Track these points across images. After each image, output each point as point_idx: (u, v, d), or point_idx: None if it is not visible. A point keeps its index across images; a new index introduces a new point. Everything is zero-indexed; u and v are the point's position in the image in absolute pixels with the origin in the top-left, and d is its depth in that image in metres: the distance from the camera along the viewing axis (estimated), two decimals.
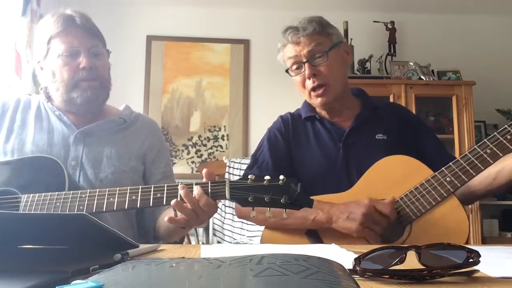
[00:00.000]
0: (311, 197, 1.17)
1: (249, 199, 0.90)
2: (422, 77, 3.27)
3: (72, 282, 0.39)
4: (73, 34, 1.21)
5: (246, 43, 3.57)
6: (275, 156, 1.31)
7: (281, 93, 3.48)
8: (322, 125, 1.34)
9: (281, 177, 0.90)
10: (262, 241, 1.22)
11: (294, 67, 1.31)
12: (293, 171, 1.30)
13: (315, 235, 1.17)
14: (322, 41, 1.28)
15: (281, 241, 1.18)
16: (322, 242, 1.15)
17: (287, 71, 1.34)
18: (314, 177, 1.27)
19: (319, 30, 1.29)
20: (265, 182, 0.90)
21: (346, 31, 3.30)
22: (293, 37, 1.28)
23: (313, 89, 1.28)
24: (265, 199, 0.90)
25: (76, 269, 0.51)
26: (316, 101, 1.31)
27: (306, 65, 1.27)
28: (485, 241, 3.08)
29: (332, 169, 1.26)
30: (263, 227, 1.24)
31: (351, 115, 1.34)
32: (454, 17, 3.66)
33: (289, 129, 1.36)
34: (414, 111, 2.97)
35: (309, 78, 1.28)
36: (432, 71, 3.38)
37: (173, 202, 0.95)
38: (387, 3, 3.54)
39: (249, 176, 0.92)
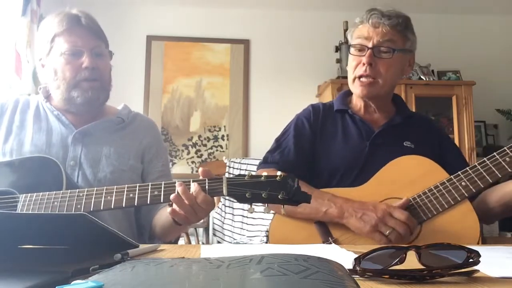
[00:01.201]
0: (324, 189, 1.17)
1: (246, 195, 0.90)
2: (422, 77, 3.27)
3: (72, 282, 0.39)
4: (77, 34, 1.21)
5: (246, 43, 3.57)
6: (299, 144, 1.31)
7: (281, 93, 3.48)
8: (352, 121, 1.33)
9: (279, 173, 0.91)
10: (271, 229, 1.21)
11: (358, 47, 1.29)
12: (314, 161, 1.30)
13: (324, 225, 1.17)
14: (397, 40, 1.27)
15: (289, 229, 1.19)
16: (330, 234, 1.15)
17: (349, 47, 1.32)
18: (334, 170, 1.27)
19: (401, 29, 1.28)
20: (263, 178, 0.91)
21: (346, 31, 3.31)
22: (375, 20, 1.27)
23: (361, 76, 1.27)
24: (263, 195, 0.89)
25: (76, 269, 0.51)
26: (357, 89, 1.29)
27: (369, 51, 1.25)
28: (485, 241, 3.08)
29: (355, 165, 1.25)
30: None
31: (384, 118, 1.34)
32: (454, 17, 3.66)
33: (319, 118, 1.35)
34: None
35: (363, 64, 1.26)
36: (432, 71, 3.38)
37: (172, 196, 0.95)
38: (387, 3, 3.53)
39: (246, 173, 0.93)
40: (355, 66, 1.29)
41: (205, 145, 3.44)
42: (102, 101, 1.29)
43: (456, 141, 3.10)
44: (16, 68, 2.45)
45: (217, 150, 3.44)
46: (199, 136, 3.45)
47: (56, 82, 1.23)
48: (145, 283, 0.40)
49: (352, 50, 1.30)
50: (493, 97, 3.44)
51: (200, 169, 0.99)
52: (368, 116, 1.34)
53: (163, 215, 1.16)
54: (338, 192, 1.18)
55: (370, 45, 1.25)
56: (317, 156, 1.30)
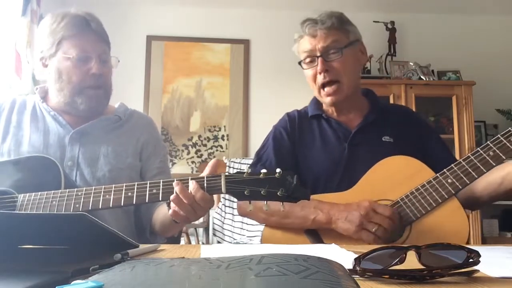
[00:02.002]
0: (312, 196, 1.17)
1: (245, 192, 0.90)
2: (422, 77, 3.27)
3: (72, 282, 0.39)
4: (86, 38, 1.21)
5: (246, 43, 3.57)
6: (279, 155, 1.31)
7: (281, 93, 3.48)
8: (328, 124, 1.33)
9: (278, 170, 0.90)
10: (262, 239, 1.21)
11: (308, 60, 1.30)
12: (297, 170, 1.29)
13: (314, 233, 1.17)
14: (339, 38, 1.27)
15: (280, 239, 1.18)
16: (321, 241, 1.15)
17: (300, 63, 1.33)
18: (318, 176, 1.26)
19: (338, 26, 1.28)
20: (261, 175, 0.90)
21: None
22: (310, 30, 1.28)
23: (323, 85, 1.27)
24: (262, 192, 0.89)
25: (76, 269, 0.51)
26: (326, 100, 1.30)
27: (319, 59, 1.26)
28: (485, 241, 3.08)
29: (336, 169, 1.25)
30: (263, 226, 1.24)
31: (359, 115, 1.33)
32: (454, 17, 3.66)
33: (295, 127, 1.35)
34: None
35: (320, 73, 1.26)
36: (432, 71, 3.39)
37: (172, 197, 0.95)
38: (387, 3, 3.54)
39: (245, 170, 0.92)
40: (313, 77, 1.29)
41: (205, 145, 3.44)
42: (103, 107, 1.29)
43: (456, 141, 3.10)
44: (16, 68, 2.45)
45: (217, 150, 3.44)
46: (199, 136, 3.45)
47: (59, 85, 1.22)
48: (145, 283, 0.40)
49: (304, 65, 1.32)
50: (493, 97, 3.44)
51: (212, 161, 0.98)
52: (343, 117, 1.34)
53: (162, 212, 1.16)
54: (327, 198, 1.17)
55: (317, 53, 1.27)
56: (299, 165, 1.30)
